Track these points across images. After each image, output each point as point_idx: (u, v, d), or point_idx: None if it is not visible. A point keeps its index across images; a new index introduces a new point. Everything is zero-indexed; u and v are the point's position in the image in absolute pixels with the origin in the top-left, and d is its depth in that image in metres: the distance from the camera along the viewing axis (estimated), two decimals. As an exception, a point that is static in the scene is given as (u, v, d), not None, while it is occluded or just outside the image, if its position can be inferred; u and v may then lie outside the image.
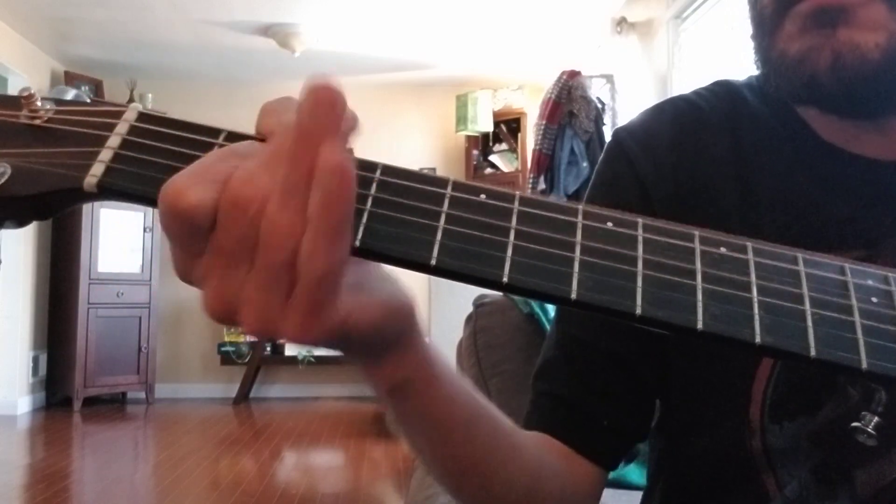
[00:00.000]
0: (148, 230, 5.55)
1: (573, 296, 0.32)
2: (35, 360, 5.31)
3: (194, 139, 0.35)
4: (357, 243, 0.33)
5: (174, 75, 5.91)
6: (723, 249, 0.35)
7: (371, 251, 0.33)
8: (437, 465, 0.50)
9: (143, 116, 0.37)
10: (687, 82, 3.60)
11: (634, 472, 1.76)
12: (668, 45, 3.80)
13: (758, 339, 0.33)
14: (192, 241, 0.32)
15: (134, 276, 5.56)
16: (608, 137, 0.80)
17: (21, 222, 0.37)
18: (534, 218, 0.34)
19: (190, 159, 0.34)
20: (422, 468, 1.21)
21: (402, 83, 6.08)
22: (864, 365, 0.33)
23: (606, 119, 4.18)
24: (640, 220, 0.35)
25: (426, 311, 3.07)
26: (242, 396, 5.74)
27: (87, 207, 5.16)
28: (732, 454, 0.59)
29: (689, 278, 0.33)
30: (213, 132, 0.36)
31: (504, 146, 5.94)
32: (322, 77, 0.33)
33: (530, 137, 5.08)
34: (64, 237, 5.38)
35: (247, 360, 5.65)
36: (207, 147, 0.35)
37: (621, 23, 4.21)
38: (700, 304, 0.33)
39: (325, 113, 0.32)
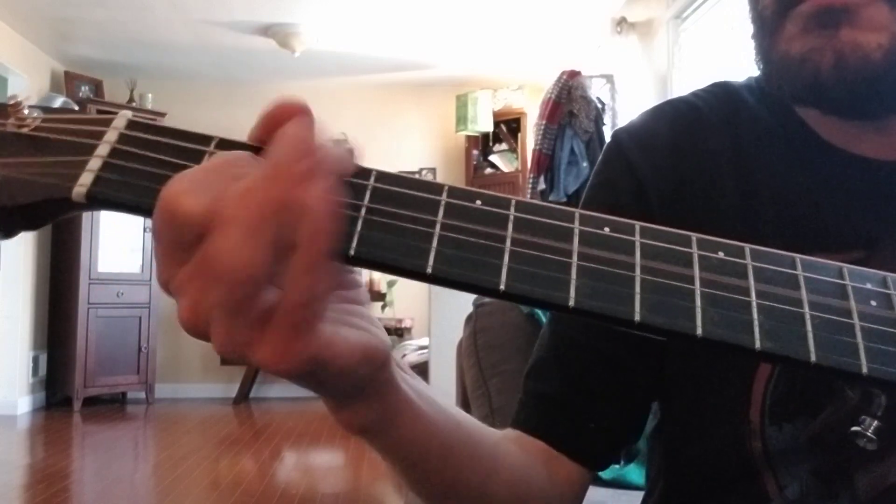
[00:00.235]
0: (148, 230, 5.54)
1: (571, 303, 0.32)
2: (35, 360, 5.31)
3: (185, 147, 0.35)
4: (351, 252, 0.33)
5: (174, 75, 5.91)
6: (721, 254, 0.34)
7: (365, 260, 0.33)
8: (415, 488, 0.51)
9: (132, 124, 0.36)
10: (687, 82, 3.60)
11: (634, 472, 1.76)
12: (668, 45, 3.80)
13: (758, 345, 0.32)
14: (177, 248, 0.32)
15: (134, 276, 5.56)
16: (608, 137, 0.80)
17: (8, 233, 0.37)
18: (530, 224, 0.34)
19: (180, 168, 0.33)
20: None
21: (402, 83, 6.08)
22: (865, 370, 0.33)
23: (606, 119, 4.18)
24: (637, 226, 0.34)
25: (426, 311, 3.06)
26: (242, 396, 5.74)
27: (87, 207, 5.16)
28: (732, 455, 0.59)
29: (687, 283, 0.33)
30: (205, 139, 0.35)
31: (504, 146, 5.94)
32: (290, 104, 0.33)
33: (530, 137, 5.08)
34: (64, 237, 5.38)
35: (247, 360, 5.65)
36: (198, 154, 0.34)
37: (621, 23, 4.21)
38: (699, 310, 0.33)
39: (299, 159, 0.31)
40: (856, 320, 0.34)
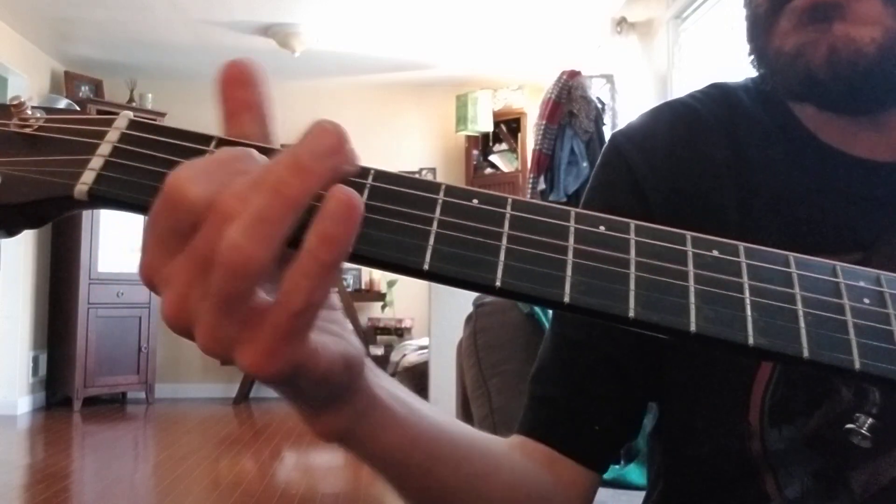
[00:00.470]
0: (148, 230, 5.55)
1: (566, 299, 0.33)
2: (35, 360, 5.31)
3: (185, 146, 0.35)
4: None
5: (174, 75, 5.91)
6: (715, 252, 0.35)
7: (363, 257, 0.33)
8: (401, 494, 0.50)
9: (133, 124, 0.36)
10: (687, 82, 3.61)
11: (634, 472, 1.76)
12: (668, 45, 3.80)
13: (751, 341, 0.33)
14: (173, 235, 0.31)
15: (134, 276, 5.54)
16: (608, 137, 0.80)
17: (10, 231, 0.37)
18: (526, 222, 0.34)
19: None
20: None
21: (402, 83, 6.08)
22: (857, 365, 0.33)
23: (606, 119, 4.19)
24: (632, 224, 0.35)
25: (426, 311, 3.06)
26: (242, 396, 5.74)
27: (87, 207, 5.16)
28: (732, 456, 0.59)
29: (681, 280, 0.34)
30: (205, 139, 0.35)
31: (504, 146, 5.95)
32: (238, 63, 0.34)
33: (530, 137, 5.08)
34: (64, 237, 5.38)
35: (247, 359, 5.65)
36: (199, 154, 0.35)
37: (621, 23, 4.21)
38: (693, 307, 0.33)
39: (328, 156, 0.31)
40: (849, 317, 0.34)
